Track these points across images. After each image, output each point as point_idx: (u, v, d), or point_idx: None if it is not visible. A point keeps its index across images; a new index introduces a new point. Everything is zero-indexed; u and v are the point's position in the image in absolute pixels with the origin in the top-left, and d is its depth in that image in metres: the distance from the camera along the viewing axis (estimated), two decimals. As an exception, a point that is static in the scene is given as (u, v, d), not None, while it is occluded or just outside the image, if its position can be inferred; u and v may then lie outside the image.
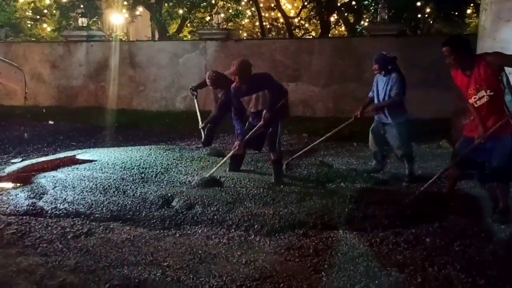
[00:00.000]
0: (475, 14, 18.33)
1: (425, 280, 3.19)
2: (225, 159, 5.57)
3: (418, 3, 14.47)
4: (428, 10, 16.36)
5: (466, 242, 3.71)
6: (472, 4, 16.36)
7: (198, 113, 6.87)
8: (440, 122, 8.14)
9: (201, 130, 6.73)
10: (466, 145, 4.22)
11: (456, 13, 15.90)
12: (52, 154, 6.78)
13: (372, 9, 16.32)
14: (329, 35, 16.26)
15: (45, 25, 18.79)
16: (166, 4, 16.02)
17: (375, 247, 3.69)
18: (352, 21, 16.86)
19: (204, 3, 16.03)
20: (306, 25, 18.69)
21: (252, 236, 3.97)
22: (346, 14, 16.47)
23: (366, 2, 15.93)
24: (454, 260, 3.42)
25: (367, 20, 18.44)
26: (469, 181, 5.03)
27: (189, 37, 18.95)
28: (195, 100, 6.97)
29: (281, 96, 5.26)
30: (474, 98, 3.98)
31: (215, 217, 4.32)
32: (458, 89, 4.20)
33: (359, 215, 4.30)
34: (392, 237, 3.82)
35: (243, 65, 5.04)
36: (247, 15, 20.46)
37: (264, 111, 5.05)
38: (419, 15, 16.54)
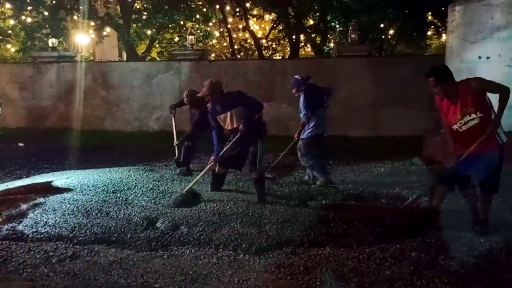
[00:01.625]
0: (435, 36, 19.14)
1: (416, 293, 3.28)
2: (200, 174, 5.60)
3: (382, 25, 14.98)
4: (391, 31, 16.97)
5: (449, 256, 3.83)
6: (432, 26, 17.06)
7: (174, 131, 6.99)
8: (410, 140, 8.42)
9: (175, 147, 6.88)
10: (465, 163, 4.24)
11: (418, 35, 16.54)
12: (26, 177, 6.61)
13: (339, 30, 16.79)
14: (298, 55, 16.60)
15: (9, 46, 18.40)
16: (134, 25, 16.00)
17: (363, 263, 3.76)
18: (319, 42, 17.29)
19: (173, 24, 16.08)
20: (274, 45, 19.01)
21: (241, 255, 3.98)
22: (313, 35, 16.88)
23: (333, 24, 16.38)
24: (441, 273, 3.52)
25: (332, 41, 18.96)
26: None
27: (157, 58, 18.94)
28: (173, 118, 7.09)
29: (256, 109, 5.37)
30: (460, 123, 4.16)
31: (202, 237, 4.30)
32: (442, 115, 4.35)
33: (343, 232, 4.37)
34: (379, 253, 3.90)
35: (214, 86, 5.16)
36: (216, 36, 20.66)
37: (241, 124, 5.16)
38: (383, 37, 17.11)
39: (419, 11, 13.30)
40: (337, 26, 16.33)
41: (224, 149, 5.34)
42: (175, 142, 6.85)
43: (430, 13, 15.23)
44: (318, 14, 15.62)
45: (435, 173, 5.26)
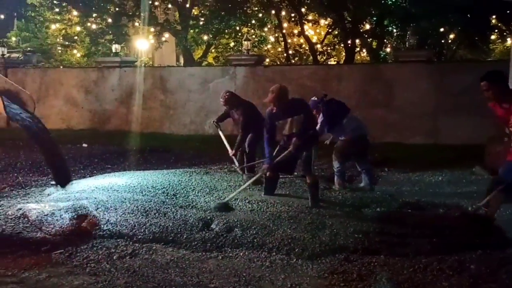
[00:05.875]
0: (499, 40, 18.35)
1: (475, 307, 3.18)
2: (248, 183, 5.63)
3: (442, 29, 14.54)
4: (452, 36, 16.43)
5: (512, 269, 3.69)
6: (496, 30, 16.39)
7: (225, 142, 6.89)
8: (472, 148, 8.11)
9: (233, 157, 6.74)
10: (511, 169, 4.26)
11: (481, 39, 15.95)
12: (89, 176, 6.92)
13: (396, 35, 16.46)
14: (354, 61, 16.41)
15: (75, 51, 19.36)
16: (191, 31, 16.41)
17: (419, 274, 3.68)
18: (375, 47, 17.01)
19: (229, 30, 16.36)
20: (329, 50, 18.86)
21: (294, 260, 4.00)
22: (369, 40, 16.63)
23: (390, 28, 16.08)
24: (502, 287, 3.39)
25: (389, 46, 18.59)
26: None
27: (213, 63, 19.32)
28: (220, 132, 7.05)
29: (314, 124, 5.48)
30: None
31: (255, 240, 4.35)
32: (496, 118, 4.37)
33: (399, 240, 4.30)
34: (436, 264, 3.81)
35: (282, 91, 5.22)
36: (271, 41, 20.78)
37: (294, 138, 5.20)
38: (443, 41, 16.60)
39: (482, 14, 12.82)
40: (395, 30, 16.03)
41: (278, 158, 5.35)
42: (231, 152, 6.73)
43: (494, 17, 14.64)
44: (375, 18, 15.38)
45: (494, 180, 5.10)
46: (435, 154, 8.49)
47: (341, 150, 6.09)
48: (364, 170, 6.22)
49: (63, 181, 5.13)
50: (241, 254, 4.13)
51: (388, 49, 18.69)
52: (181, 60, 19.27)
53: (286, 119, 5.28)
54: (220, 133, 7.03)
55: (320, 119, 6.11)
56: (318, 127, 6.05)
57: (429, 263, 3.83)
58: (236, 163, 6.72)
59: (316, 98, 6.19)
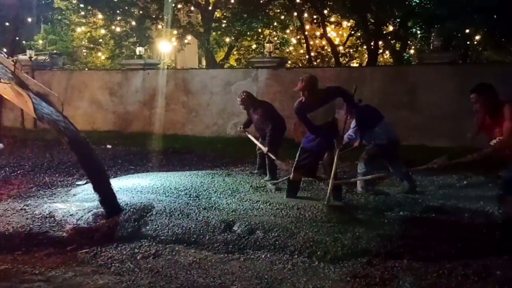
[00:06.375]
0: (527, 42, 17.95)
1: (500, 313, 3.13)
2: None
3: (467, 31, 14.29)
4: (477, 37, 16.13)
5: (539, 276, 3.61)
6: (524, 32, 16.02)
7: (257, 143, 6.87)
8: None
9: (269, 154, 6.61)
10: None
11: (508, 40, 15.62)
12: (114, 177, 7.02)
13: (420, 37, 16.26)
14: (377, 63, 16.28)
15: (99, 54, 19.66)
16: (214, 33, 16.51)
17: (443, 279, 3.63)
18: (398, 49, 16.84)
19: (251, 32, 16.41)
20: (351, 52, 18.71)
21: (316, 263, 4.00)
22: (393, 42, 16.47)
23: (414, 30, 15.90)
24: (529, 294, 3.33)
25: (412, 48, 18.37)
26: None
27: (235, 65, 19.39)
28: (249, 135, 7.12)
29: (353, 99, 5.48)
30: (498, 139, 4.34)
31: (277, 242, 4.36)
32: (481, 129, 4.59)
33: (422, 244, 4.26)
34: (461, 269, 3.75)
35: (311, 80, 5.11)
36: (293, 44, 20.75)
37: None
38: (468, 43, 16.31)
39: (509, 15, 12.56)
40: (418, 32, 15.84)
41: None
42: (265, 150, 6.60)
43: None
44: (398, 20, 15.23)
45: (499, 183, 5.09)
46: (460, 157, 8.31)
47: (370, 154, 6.08)
48: (401, 175, 6.22)
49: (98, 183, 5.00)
50: (263, 256, 4.15)
51: (411, 51, 18.48)
52: (203, 62, 19.41)
53: (317, 110, 5.16)
54: (250, 136, 7.08)
55: (353, 124, 6.12)
56: (350, 132, 6.12)
57: (454, 268, 3.78)
58: (273, 157, 6.59)
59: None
